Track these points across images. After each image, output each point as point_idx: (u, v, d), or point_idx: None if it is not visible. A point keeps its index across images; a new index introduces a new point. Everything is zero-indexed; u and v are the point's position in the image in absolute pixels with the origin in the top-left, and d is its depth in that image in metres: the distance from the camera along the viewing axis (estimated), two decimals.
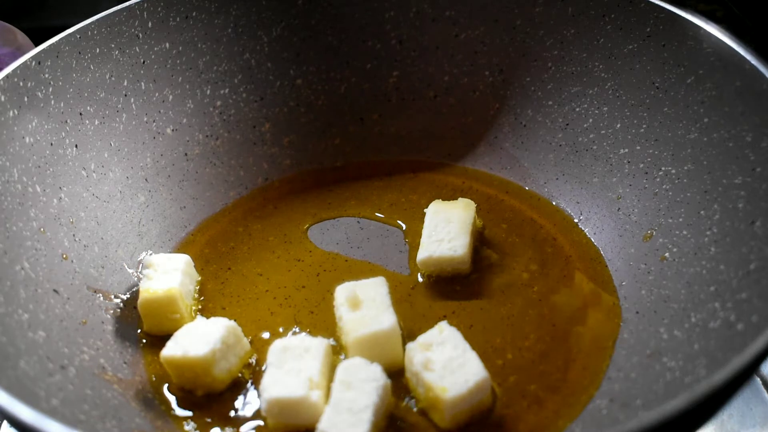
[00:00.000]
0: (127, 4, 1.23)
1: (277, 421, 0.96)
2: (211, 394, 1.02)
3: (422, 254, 1.14)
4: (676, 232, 1.09)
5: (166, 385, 1.04)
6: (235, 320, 1.06)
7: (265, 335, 1.10)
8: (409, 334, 1.08)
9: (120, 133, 1.24)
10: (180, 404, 1.02)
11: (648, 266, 1.11)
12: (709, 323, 0.94)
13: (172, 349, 1.01)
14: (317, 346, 1.00)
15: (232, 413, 1.01)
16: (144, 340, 1.11)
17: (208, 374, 1.00)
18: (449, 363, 0.95)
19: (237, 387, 1.03)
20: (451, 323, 1.09)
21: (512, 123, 1.35)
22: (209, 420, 1.00)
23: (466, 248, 1.13)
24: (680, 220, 1.10)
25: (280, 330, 1.11)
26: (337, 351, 1.06)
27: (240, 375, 1.04)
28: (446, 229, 1.15)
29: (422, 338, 0.98)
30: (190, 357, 0.99)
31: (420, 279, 1.16)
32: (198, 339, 1.01)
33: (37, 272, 1.03)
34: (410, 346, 0.98)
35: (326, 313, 1.11)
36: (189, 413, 1.01)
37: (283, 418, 0.96)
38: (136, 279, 1.18)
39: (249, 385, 1.04)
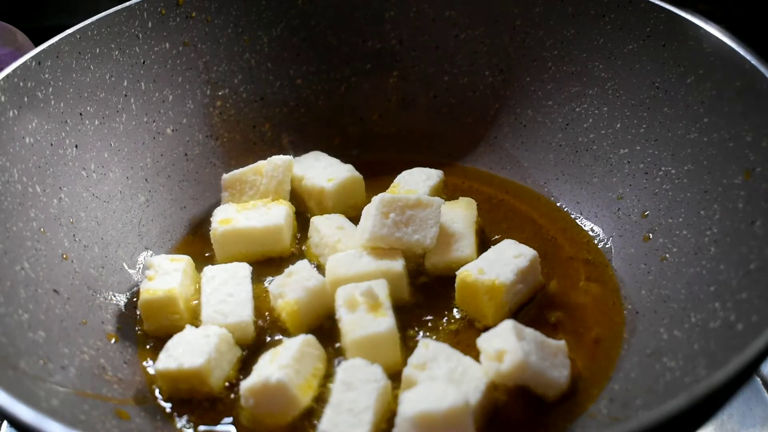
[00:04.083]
0: (127, 4, 1.23)
1: (256, 413, 0.97)
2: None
3: (430, 257, 1.13)
4: (676, 232, 1.09)
5: None
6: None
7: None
8: (408, 336, 1.08)
9: (120, 133, 1.24)
10: (179, 404, 1.02)
11: (648, 266, 1.11)
12: (709, 323, 0.94)
13: (165, 362, 1.00)
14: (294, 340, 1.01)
15: (230, 412, 1.01)
16: (144, 340, 1.11)
17: (204, 384, 1.00)
18: (451, 375, 0.95)
19: (234, 386, 1.03)
20: (451, 323, 1.09)
21: (512, 123, 1.35)
22: (207, 419, 1.00)
23: (472, 247, 1.13)
24: (680, 220, 1.10)
25: (278, 337, 1.11)
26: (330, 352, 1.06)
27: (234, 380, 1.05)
28: (451, 230, 1.15)
29: (413, 360, 0.97)
30: (186, 369, 0.99)
31: (419, 279, 1.16)
32: (191, 349, 1.00)
33: (37, 272, 1.03)
34: (406, 371, 0.96)
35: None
36: (188, 413, 1.01)
37: (259, 409, 0.96)
38: (136, 279, 1.18)
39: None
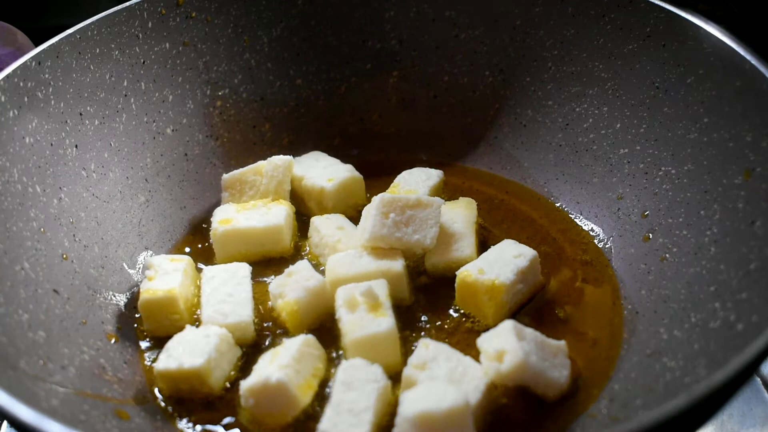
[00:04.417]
0: (127, 4, 1.23)
1: (256, 413, 0.97)
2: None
3: (430, 258, 1.14)
4: (676, 232, 1.09)
5: None
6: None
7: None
8: (408, 336, 1.08)
9: (120, 133, 1.24)
10: (179, 404, 1.02)
11: (648, 266, 1.11)
12: (709, 323, 0.94)
13: (165, 362, 1.00)
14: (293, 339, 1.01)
15: (230, 412, 1.01)
16: (144, 340, 1.11)
17: (204, 384, 1.00)
18: (452, 374, 0.95)
19: (234, 386, 1.03)
20: (451, 323, 1.09)
21: (512, 123, 1.35)
22: (208, 419, 1.00)
23: (472, 247, 1.13)
24: (680, 220, 1.10)
25: (279, 331, 1.11)
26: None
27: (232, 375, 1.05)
28: (451, 230, 1.15)
29: (414, 359, 0.97)
30: (186, 369, 0.99)
31: (419, 279, 1.15)
32: (191, 349, 1.00)
33: (37, 272, 1.03)
34: (406, 371, 0.96)
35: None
36: (188, 413, 1.01)
37: (259, 409, 0.96)
38: (136, 279, 1.18)
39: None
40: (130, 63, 1.25)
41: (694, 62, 1.12)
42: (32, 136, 1.11)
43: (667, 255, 1.09)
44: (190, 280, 1.14)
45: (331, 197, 1.23)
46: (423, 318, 1.10)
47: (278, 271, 1.12)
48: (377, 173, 1.31)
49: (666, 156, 1.15)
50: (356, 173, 1.27)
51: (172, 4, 1.27)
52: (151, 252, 1.23)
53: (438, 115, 1.40)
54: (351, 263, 1.10)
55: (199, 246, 1.25)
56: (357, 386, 0.94)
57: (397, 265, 1.09)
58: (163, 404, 1.02)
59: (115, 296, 1.14)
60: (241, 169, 1.25)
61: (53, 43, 1.15)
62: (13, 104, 1.09)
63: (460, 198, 1.22)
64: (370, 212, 1.11)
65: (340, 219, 1.21)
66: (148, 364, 1.07)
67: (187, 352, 1.00)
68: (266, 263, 1.20)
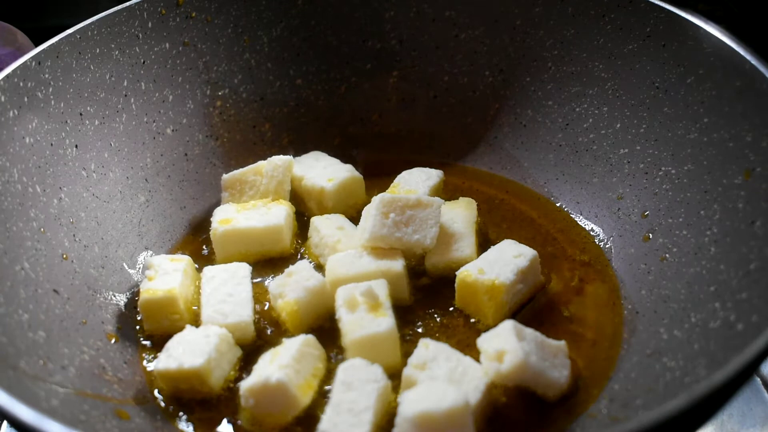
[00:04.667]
0: (127, 4, 1.23)
1: (256, 413, 0.97)
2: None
3: (430, 258, 1.14)
4: (676, 232, 1.09)
5: None
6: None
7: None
8: (407, 335, 1.08)
9: (120, 133, 1.24)
10: (179, 404, 1.02)
11: (648, 266, 1.11)
12: (709, 323, 0.94)
13: (165, 362, 1.00)
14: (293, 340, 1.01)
15: (230, 412, 1.01)
16: (144, 340, 1.11)
17: (204, 384, 1.00)
18: (452, 374, 0.95)
19: (234, 386, 1.02)
20: (452, 323, 1.09)
21: (512, 123, 1.35)
22: (207, 419, 1.00)
23: (472, 247, 1.13)
24: (680, 220, 1.10)
25: (276, 331, 1.11)
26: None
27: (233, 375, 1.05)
28: (451, 230, 1.15)
29: (414, 359, 0.97)
30: (186, 369, 0.99)
31: (420, 280, 1.15)
32: (191, 349, 1.00)
33: (37, 272, 1.03)
34: (406, 371, 0.96)
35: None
36: (188, 413, 1.01)
37: (259, 409, 0.96)
38: (136, 279, 1.18)
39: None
40: (130, 63, 1.25)
41: (694, 62, 1.12)
42: (32, 136, 1.11)
43: (667, 255, 1.09)
44: (190, 280, 1.14)
45: (331, 197, 1.23)
46: (423, 318, 1.10)
47: (278, 271, 1.12)
48: (377, 173, 1.31)
49: (666, 156, 1.15)
50: (356, 173, 1.27)
51: (172, 4, 1.27)
52: (151, 252, 1.23)
53: (438, 115, 1.40)
54: (351, 263, 1.10)
55: (199, 246, 1.25)
56: (357, 386, 0.94)
57: (397, 265, 1.09)
58: (163, 404, 1.02)
59: (115, 296, 1.14)
60: (241, 169, 1.25)
61: (53, 43, 1.15)
62: (13, 104, 1.09)
63: (460, 198, 1.22)
64: (370, 212, 1.11)
65: (340, 219, 1.21)
66: (148, 364, 1.07)
67: (187, 352, 1.00)
68: (266, 263, 1.20)
